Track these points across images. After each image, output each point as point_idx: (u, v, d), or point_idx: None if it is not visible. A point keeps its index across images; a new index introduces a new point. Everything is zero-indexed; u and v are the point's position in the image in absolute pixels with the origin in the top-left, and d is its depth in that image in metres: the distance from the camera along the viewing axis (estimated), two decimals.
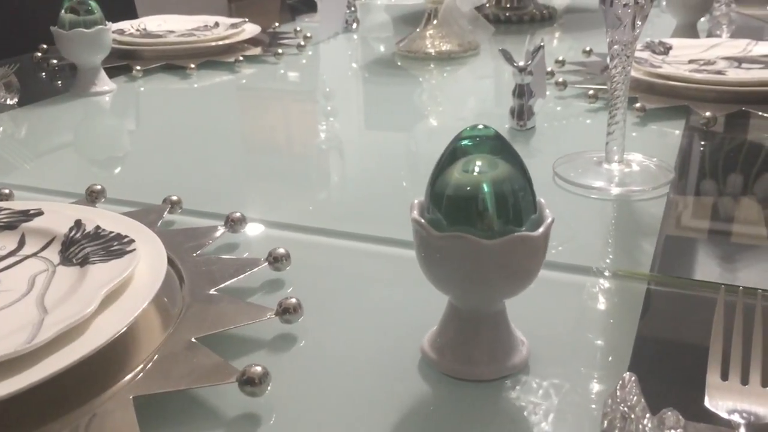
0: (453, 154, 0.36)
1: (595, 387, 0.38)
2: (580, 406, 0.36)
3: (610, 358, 0.40)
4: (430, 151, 0.38)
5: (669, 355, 0.42)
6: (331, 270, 0.52)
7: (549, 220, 0.36)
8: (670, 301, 0.48)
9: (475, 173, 0.36)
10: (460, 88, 1.05)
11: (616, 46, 0.59)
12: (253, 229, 0.57)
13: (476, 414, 0.36)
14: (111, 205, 0.59)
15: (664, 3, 1.27)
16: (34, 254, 0.46)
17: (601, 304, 0.46)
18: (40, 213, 0.49)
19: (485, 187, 0.35)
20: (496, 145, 0.37)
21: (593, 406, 0.36)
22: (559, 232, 0.52)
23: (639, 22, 0.58)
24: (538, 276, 0.38)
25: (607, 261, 0.51)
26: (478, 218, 0.35)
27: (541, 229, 0.36)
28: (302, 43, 1.19)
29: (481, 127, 0.37)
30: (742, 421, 0.32)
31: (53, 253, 0.46)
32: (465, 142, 0.37)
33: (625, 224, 0.58)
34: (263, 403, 0.37)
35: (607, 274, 0.49)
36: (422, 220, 0.36)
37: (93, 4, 0.94)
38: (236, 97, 1.03)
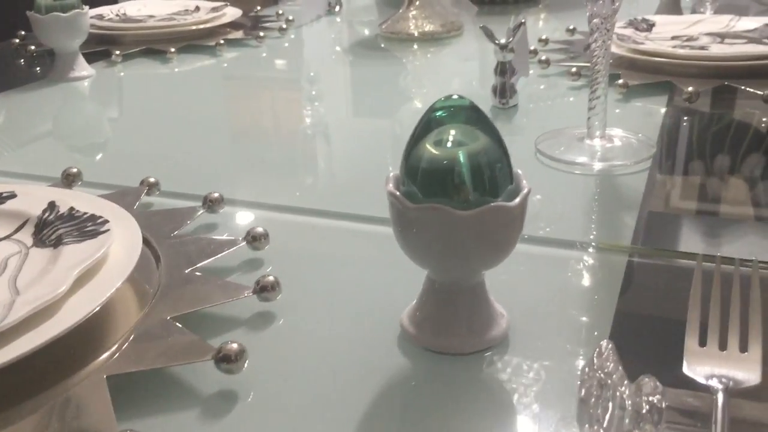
0: (427, 125, 0.36)
1: (576, 358, 0.38)
2: (560, 377, 0.36)
3: (590, 329, 0.40)
4: None
5: (648, 325, 0.42)
6: (309, 248, 0.51)
7: (525, 190, 0.36)
8: (651, 272, 0.47)
9: (450, 144, 0.35)
10: (444, 68, 1.04)
11: (596, 20, 0.59)
12: (231, 210, 0.56)
13: (457, 387, 0.36)
14: (87, 188, 0.58)
15: None
16: (7, 237, 0.45)
17: (583, 277, 0.46)
18: (13, 195, 0.49)
19: (461, 159, 0.35)
20: (471, 116, 0.36)
21: (574, 376, 0.36)
22: (542, 207, 0.52)
23: None
24: (520, 250, 0.37)
25: (590, 235, 0.51)
26: (454, 190, 0.35)
27: (517, 200, 0.35)
28: (284, 26, 1.17)
29: (455, 97, 0.36)
30: (720, 386, 0.32)
31: (26, 236, 0.45)
32: (439, 113, 0.36)
33: (608, 199, 0.57)
34: (241, 381, 0.36)
35: (589, 247, 0.49)
36: (397, 193, 0.36)
37: None
38: (218, 81, 1.02)
